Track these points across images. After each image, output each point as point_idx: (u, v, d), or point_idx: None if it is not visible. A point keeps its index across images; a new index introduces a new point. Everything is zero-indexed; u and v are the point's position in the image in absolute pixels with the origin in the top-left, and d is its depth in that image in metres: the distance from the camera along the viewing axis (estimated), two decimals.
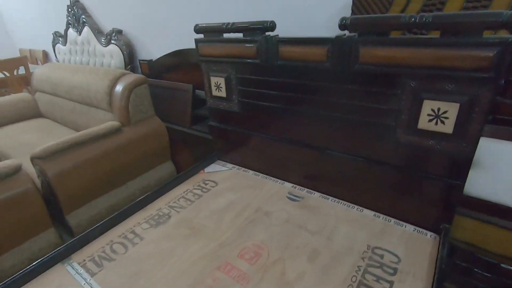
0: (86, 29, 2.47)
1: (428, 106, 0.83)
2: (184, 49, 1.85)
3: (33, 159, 1.44)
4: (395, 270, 0.84)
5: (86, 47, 2.52)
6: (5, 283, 0.86)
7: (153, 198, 1.24)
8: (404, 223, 1.01)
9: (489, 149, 0.92)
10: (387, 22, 0.81)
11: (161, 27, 2.03)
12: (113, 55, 2.27)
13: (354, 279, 0.82)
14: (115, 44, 2.23)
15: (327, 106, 1.04)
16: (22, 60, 2.89)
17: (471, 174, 0.90)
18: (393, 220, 1.03)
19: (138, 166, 1.81)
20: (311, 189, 1.22)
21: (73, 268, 0.93)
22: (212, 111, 1.42)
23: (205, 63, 1.31)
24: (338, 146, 1.08)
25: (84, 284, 0.86)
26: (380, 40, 0.83)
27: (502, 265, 0.97)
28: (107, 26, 2.39)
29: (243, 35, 1.12)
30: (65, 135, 1.59)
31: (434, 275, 0.80)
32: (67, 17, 2.65)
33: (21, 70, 3.08)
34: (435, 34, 0.77)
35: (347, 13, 1.12)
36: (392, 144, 0.94)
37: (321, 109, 1.06)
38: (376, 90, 0.91)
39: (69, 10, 2.57)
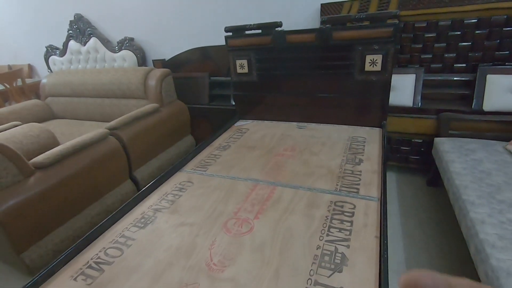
0: (92, 40, 2.92)
1: (368, 58, 1.68)
2: (195, 48, 2.51)
3: (110, 129, 1.94)
4: (365, 141, 1.66)
5: (93, 55, 2.97)
6: (155, 180, 1.44)
7: (211, 140, 1.88)
8: (364, 127, 1.86)
9: (397, 79, 1.82)
10: (344, 19, 1.65)
11: (170, 32, 2.65)
12: (126, 58, 2.79)
13: (346, 148, 1.62)
14: (129, 49, 2.75)
15: (315, 67, 1.84)
16: (19, 73, 3.15)
17: (391, 94, 1.78)
18: (358, 127, 1.87)
19: (173, 137, 2.39)
20: (309, 122, 2.01)
21: (189, 172, 1.55)
22: (236, 84, 2.12)
23: (232, 51, 2.01)
24: (323, 90, 1.89)
25: (203, 173, 1.50)
26: (342, 28, 1.67)
27: (413, 140, 1.89)
28: (115, 35, 2.88)
29: (262, 31, 1.86)
30: (96, 126, 2.07)
31: (382, 142, 1.65)
32: (68, 31, 3.04)
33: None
34: (367, 23, 1.63)
35: (318, 15, 1.95)
36: (353, 82, 1.78)
37: (312, 69, 1.85)
38: (342, 54, 1.74)
39: (73, 25, 2.98)
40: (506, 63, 1.66)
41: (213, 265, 0.94)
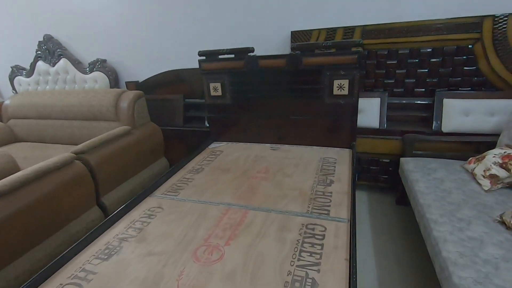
0: (62, 61, 2.86)
1: (336, 83, 1.76)
2: (170, 70, 2.52)
3: (76, 153, 1.86)
4: (336, 162, 1.71)
5: (63, 76, 2.89)
6: (122, 208, 1.38)
7: (184, 163, 1.85)
8: (335, 147, 1.91)
9: (364, 103, 1.91)
10: (313, 46, 1.74)
11: (144, 54, 2.66)
12: (97, 80, 2.74)
13: (318, 169, 1.65)
14: (100, 71, 2.71)
15: (287, 91, 1.90)
16: None
17: (359, 116, 1.87)
18: (329, 148, 1.93)
19: (145, 159, 2.33)
20: (282, 143, 2.04)
21: (159, 197, 1.50)
22: (210, 106, 2.13)
23: (205, 75, 2.04)
24: (295, 113, 1.94)
25: (174, 198, 1.46)
26: (311, 54, 1.75)
27: (381, 160, 1.96)
28: (86, 57, 2.83)
29: (235, 56, 1.91)
30: (63, 150, 1.98)
31: (352, 163, 1.70)
32: (36, 52, 2.95)
33: None
34: (333, 50, 1.73)
35: (288, 41, 2.05)
36: (323, 105, 1.85)
37: (284, 93, 1.91)
38: (312, 78, 1.81)
39: (42, 45, 2.90)
40: (459, 88, 1.81)
41: None
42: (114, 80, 2.72)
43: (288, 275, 0.94)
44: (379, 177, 2.01)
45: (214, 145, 2.16)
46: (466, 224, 1.12)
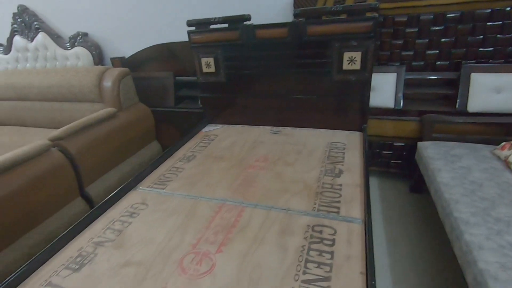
0: (40, 35, 2.57)
1: (346, 55, 1.51)
2: (159, 44, 2.25)
3: (53, 140, 1.66)
4: (345, 148, 1.50)
5: (43, 52, 2.62)
6: (101, 204, 1.20)
7: (174, 149, 1.66)
8: (344, 130, 1.70)
9: (377, 79, 1.67)
10: (319, 11, 1.47)
11: (130, 27, 2.37)
12: (79, 56, 2.48)
13: (324, 157, 1.45)
14: (82, 46, 2.44)
15: (289, 66, 1.66)
16: None
17: (371, 94, 1.63)
18: (337, 130, 1.71)
19: (134, 144, 2.13)
20: (284, 126, 1.83)
21: (144, 190, 1.32)
22: (202, 85, 1.90)
23: (196, 48, 1.79)
24: (298, 91, 1.71)
25: (160, 192, 1.28)
26: (317, 21, 1.49)
27: (394, 143, 1.75)
28: (66, 30, 2.55)
29: (228, 25, 1.65)
30: (44, 135, 1.74)
31: (364, 149, 1.49)
32: (12, 25, 2.67)
33: None
34: (344, 16, 1.46)
35: (291, 7, 1.77)
36: (330, 82, 1.61)
37: (286, 68, 1.67)
38: (318, 51, 1.56)
39: (16, 18, 2.61)
40: (490, 61, 1.55)
41: None
42: (98, 56, 2.46)
43: None
44: (391, 162, 1.81)
45: (208, 128, 1.95)
46: (505, 226, 0.94)
